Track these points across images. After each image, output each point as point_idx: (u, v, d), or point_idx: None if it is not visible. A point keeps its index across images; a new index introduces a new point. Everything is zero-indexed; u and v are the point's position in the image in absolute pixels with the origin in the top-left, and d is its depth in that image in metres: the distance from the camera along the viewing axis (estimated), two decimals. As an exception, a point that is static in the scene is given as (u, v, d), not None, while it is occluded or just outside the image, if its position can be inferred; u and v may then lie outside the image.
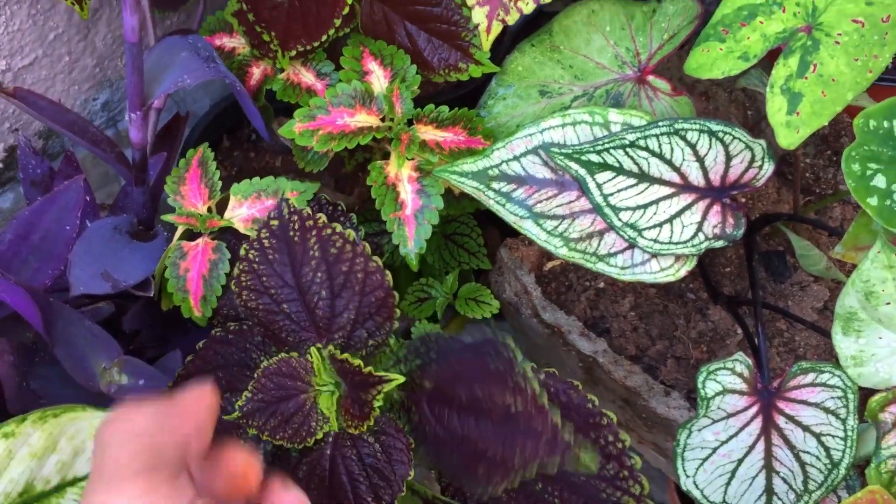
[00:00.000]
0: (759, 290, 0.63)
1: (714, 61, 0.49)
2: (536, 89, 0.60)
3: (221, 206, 0.57)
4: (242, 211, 0.56)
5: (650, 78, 0.57)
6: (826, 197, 0.66)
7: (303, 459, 0.43)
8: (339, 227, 0.44)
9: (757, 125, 0.70)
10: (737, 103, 0.71)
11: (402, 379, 0.41)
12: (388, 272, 0.46)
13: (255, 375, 0.42)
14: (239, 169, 0.83)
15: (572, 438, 0.36)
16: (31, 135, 0.83)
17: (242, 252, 0.44)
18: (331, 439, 0.43)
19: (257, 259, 0.44)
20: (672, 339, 0.63)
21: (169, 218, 0.57)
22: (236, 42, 0.64)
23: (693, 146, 0.51)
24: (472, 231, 0.68)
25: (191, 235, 0.57)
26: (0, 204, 0.84)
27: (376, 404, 0.41)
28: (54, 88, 0.81)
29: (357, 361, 0.42)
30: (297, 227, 0.44)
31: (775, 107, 0.47)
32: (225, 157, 0.84)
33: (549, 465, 0.36)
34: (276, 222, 0.44)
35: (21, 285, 0.53)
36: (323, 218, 0.44)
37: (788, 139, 0.47)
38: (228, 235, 0.56)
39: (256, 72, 0.63)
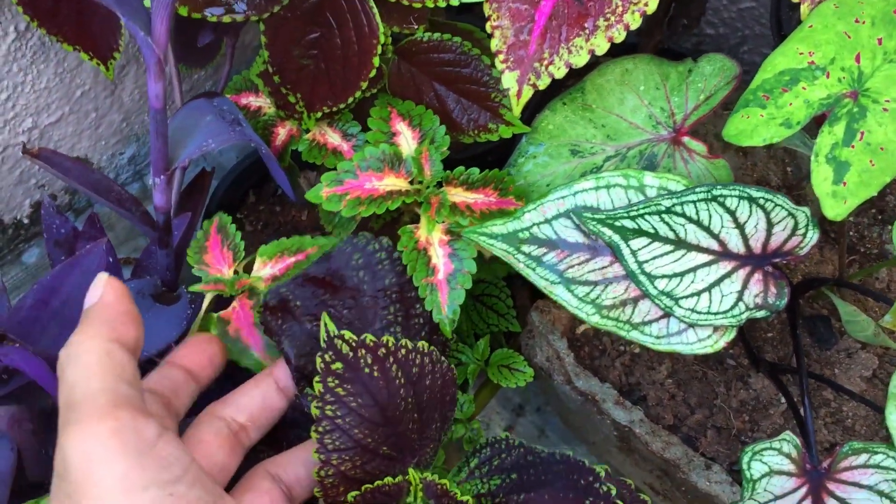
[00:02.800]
0: (804, 358, 0.60)
1: (754, 128, 0.47)
2: (568, 148, 0.58)
3: (247, 268, 0.56)
4: (266, 271, 0.55)
5: (685, 139, 0.55)
6: (873, 265, 0.64)
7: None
8: (409, 343, 0.41)
9: (798, 183, 0.68)
10: (776, 160, 0.69)
11: None
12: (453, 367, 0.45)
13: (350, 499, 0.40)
14: (265, 223, 0.82)
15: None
16: (57, 189, 0.83)
17: (316, 412, 0.41)
18: None
19: (339, 413, 0.40)
20: (712, 407, 0.60)
21: (197, 288, 0.55)
22: (262, 101, 0.64)
23: (732, 213, 0.49)
24: (500, 292, 0.66)
25: (219, 305, 0.56)
26: (25, 259, 0.84)
27: None
28: (80, 144, 0.81)
29: (454, 487, 0.40)
30: (369, 360, 0.41)
31: (821, 176, 0.45)
32: (251, 213, 0.83)
33: None
34: (339, 365, 0.41)
35: (39, 354, 0.52)
36: (390, 339, 0.42)
37: (835, 210, 0.45)
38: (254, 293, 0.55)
39: (282, 132, 0.62)
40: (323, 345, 0.42)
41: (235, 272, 0.55)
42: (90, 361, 0.36)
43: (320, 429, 0.40)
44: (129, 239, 0.91)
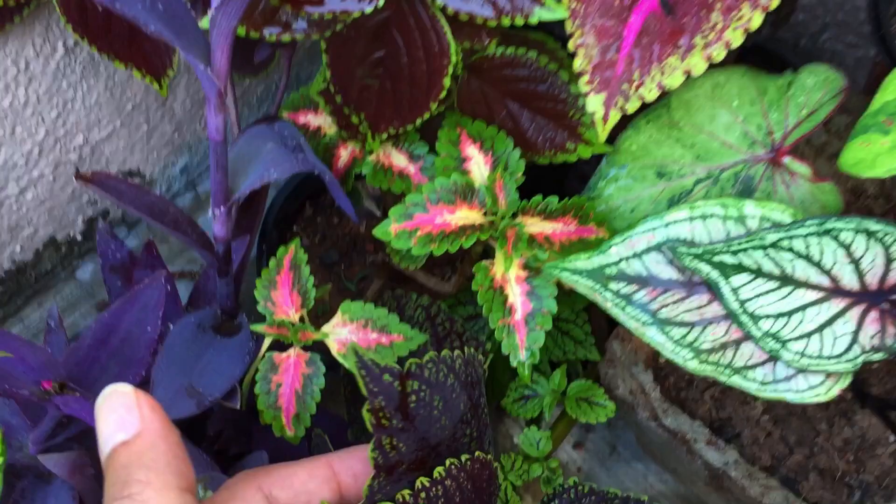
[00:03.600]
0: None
1: (876, 157, 0.42)
2: (653, 170, 0.53)
3: (312, 314, 0.53)
4: (343, 332, 0.51)
5: (786, 160, 0.50)
6: None
7: None
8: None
9: (900, 194, 0.62)
10: (885, 188, 0.63)
11: None
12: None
13: None
14: (322, 236, 0.79)
15: None
16: (110, 204, 0.81)
17: None
18: None
19: None
20: (813, 446, 0.55)
21: (259, 328, 0.52)
22: (322, 121, 0.60)
23: (847, 247, 0.44)
24: (577, 318, 0.62)
25: (280, 345, 0.53)
26: (80, 276, 0.82)
27: None
28: (133, 157, 0.79)
29: None
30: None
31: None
32: (308, 225, 0.80)
33: None
34: None
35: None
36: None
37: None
38: (319, 345, 0.52)
39: (344, 154, 0.58)
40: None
41: (301, 319, 0.52)
42: None
43: None
44: (184, 250, 0.88)
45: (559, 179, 0.65)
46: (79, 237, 0.80)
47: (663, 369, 0.61)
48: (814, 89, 0.50)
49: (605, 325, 0.64)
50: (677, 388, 0.59)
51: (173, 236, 0.60)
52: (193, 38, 0.44)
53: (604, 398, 0.57)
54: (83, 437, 0.54)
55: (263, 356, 0.52)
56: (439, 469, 0.34)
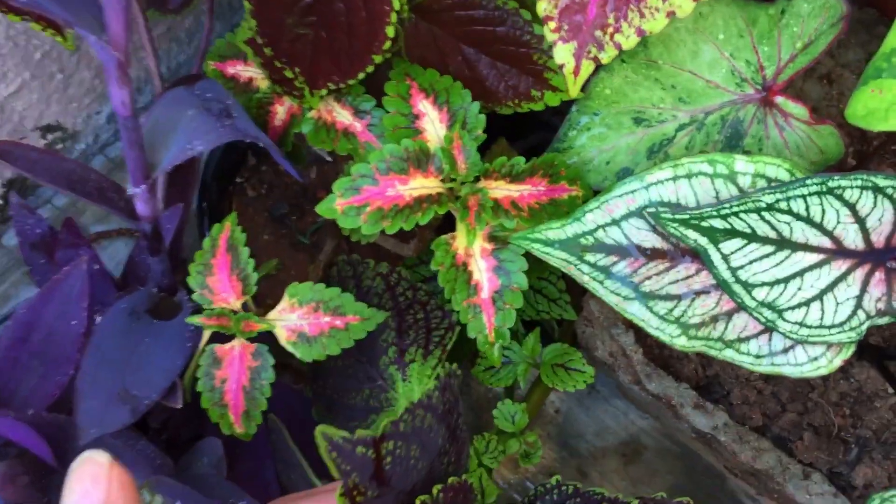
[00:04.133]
0: (917, 345, 0.51)
1: (890, 106, 0.36)
2: (630, 116, 0.47)
3: (257, 299, 0.47)
4: (292, 318, 0.45)
5: (779, 100, 0.45)
6: None
7: None
8: None
9: None
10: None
11: None
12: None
13: None
14: (269, 186, 0.73)
15: None
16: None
17: None
18: None
19: None
20: (806, 402, 0.52)
21: (196, 320, 0.47)
22: (253, 71, 0.53)
23: (852, 206, 0.39)
24: (550, 274, 0.57)
25: (222, 336, 0.47)
26: (6, 242, 0.75)
27: None
28: (50, 111, 0.71)
29: None
30: None
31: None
32: (252, 174, 0.73)
33: None
34: None
35: (23, 420, 0.44)
36: None
37: None
38: (266, 334, 0.46)
39: (281, 110, 0.51)
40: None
41: (244, 306, 0.46)
42: None
43: None
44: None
45: (523, 129, 0.59)
46: (0, 201, 0.72)
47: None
48: (809, 17, 0.44)
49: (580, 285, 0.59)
50: (660, 345, 0.55)
51: (97, 207, 0.54)
52: (80, 4, 0.36)
53: (581, 363, 0.53)
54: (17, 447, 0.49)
55: (203, 350, 0.47)
56: None
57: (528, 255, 0.45)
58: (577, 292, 0.57)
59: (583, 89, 0.47)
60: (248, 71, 0.53)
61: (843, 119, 0.42)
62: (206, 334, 0.48)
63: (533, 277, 0.57)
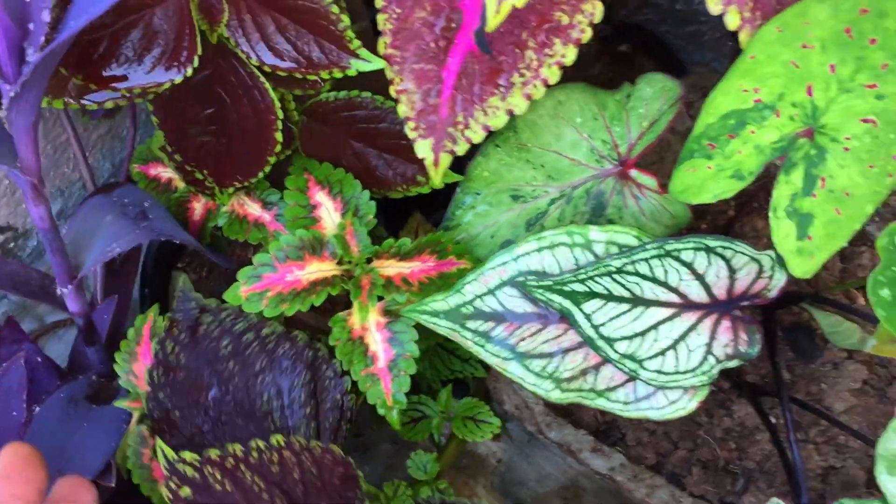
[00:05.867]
0: (786, 381, 0.56)
1: (703, 182, 0.42)
2: (508, 194, 0.53)
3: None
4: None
5: (633, 173, 0.50)
6: (851, 281, 0.59)
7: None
8: (261, 444, 0.39)
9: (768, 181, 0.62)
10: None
11: None
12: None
13: None
14: (209, 269, 0.77)
15: None
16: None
17: None
18: None
19: None
20: (695, 439, 0.56)
21: (123, 404, 0.51)
22: (171, 173, 0.58)
23: (689, 265, 0.44)
24: (461, 336, 0.62)
25: (147, 417, 0.52)
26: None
27: None
28: (0, 213, 0.76)
29: None
30: (218, 476, 0.40)
31: (782, 233, 0.40)
32: (192, 260, 0.78)
33: None
34: (186, 490, 0.39)
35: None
36: (237, 448, 0.39)
37: (802, 268, 0.40)
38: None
39: (198, 206, 0.57)
40: (165, 472, 0.39)
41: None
42: None
43: None
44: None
45: (436, 203, 0.64)
46: (-43, 299, 0.77)
47: (548, 378, 0.61)
48: (652, 99, 0.50)
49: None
50: (563, 396, 0.59)
51: (40, 304, 0.58)
52: (-8, 139, 0.42)
53: (488, 415, 0.58)
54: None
55: (132, 431, 0.51)
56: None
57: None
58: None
59: (462, 173, 0.53)
60: (167, 172, 0.58)
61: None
62: (136, 415, 0.52)
63: (441, 340, 0.62)
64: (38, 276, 0.59)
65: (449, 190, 0.55)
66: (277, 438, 0.42)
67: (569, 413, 0.59)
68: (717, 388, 0.58)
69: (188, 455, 0.40)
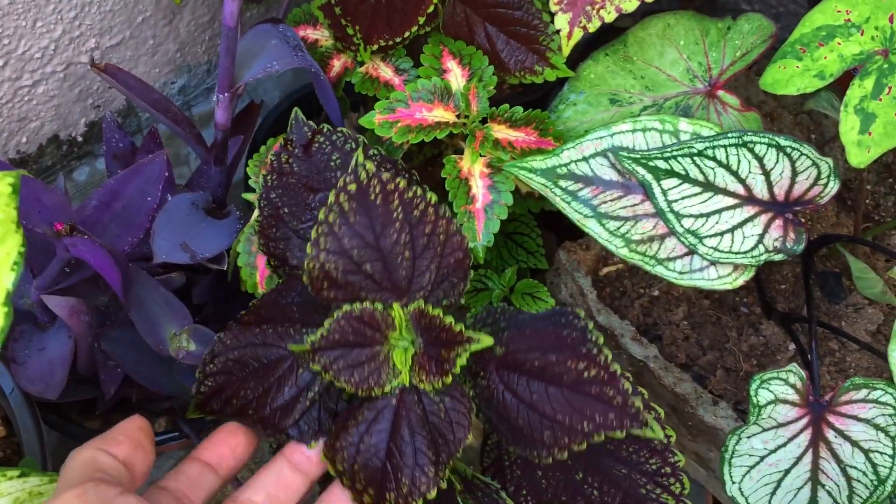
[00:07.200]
0: (814, 308, 0.64)
1: (790, 78, 0.50)
2: (607, 97, 0.61)
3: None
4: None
5: (720, 93, 0.59)
6: (885, 223, 0.67)
7: (365, 404, 0.44)
8: (419, 191, 0.45)
9: (820, 149, 0.71)
10: (801, 126, 0.72)
11: (490, 340, 0.41)
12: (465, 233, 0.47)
13: (335, 315, 0.43)
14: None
15: (642, 405, 0.38)
16: (112, 111, 0.87)
17: (321, 216, 0.45)
18: (398, 391, 0.44)
19: (338, 221, 0.45)
20: (723, 350, 0.64)
21: (250, 196, 0.59)
22: (319, 34, 0.67)
23: (760, 159, 0.53)
24: (531, 231, 0.69)
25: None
26: (76, 176, 0.88)
27: (459, 363, 0.42)
28: (137, 69, 0.85)
29: (448, 319, 0.43)
30: (377, 189, 0.45)
31: (848, 125, 0.48)
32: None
33: (617, 431, 0.38)
34: (353, 186, 0.44)
35: (104, 247, 0.56)
36: (403, 181, 0.45)
37: (859, 158, 0.48)
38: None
39: (337, 64, 0.65)
40: (351, 169, 0.45)
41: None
42: (75, 465, 0.39)
43: (319, 230, 0.44)
44: (175, 166, 0.95)
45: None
46: (80, 139, 0.86)
47: (601, 281, 0.69)
48: (749, 33, 0.58)
49: (554, 244, 0.72)
50: (612, 297, 0.67)
51: (173, 131, 0.67)
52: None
53: (546, 295, 0.65)
54: (83, 286, 0.61)
55: (245, 232, 0.59)
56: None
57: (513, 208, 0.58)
58: (552, 251, 0.70)
59: (574, 71, 0.61)
60: (316, 34, 0.67)
61: (764, 111, 0.56)
62: (254, 215, 0.60)
63: (517, 231, 0.70)
64: (175, 108, 0.68)
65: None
66: (433, 195, 0.46)
67: (616, 310, 0.66)
68: (749, 310, 0.66)
69: (370, 165, 0.45)
